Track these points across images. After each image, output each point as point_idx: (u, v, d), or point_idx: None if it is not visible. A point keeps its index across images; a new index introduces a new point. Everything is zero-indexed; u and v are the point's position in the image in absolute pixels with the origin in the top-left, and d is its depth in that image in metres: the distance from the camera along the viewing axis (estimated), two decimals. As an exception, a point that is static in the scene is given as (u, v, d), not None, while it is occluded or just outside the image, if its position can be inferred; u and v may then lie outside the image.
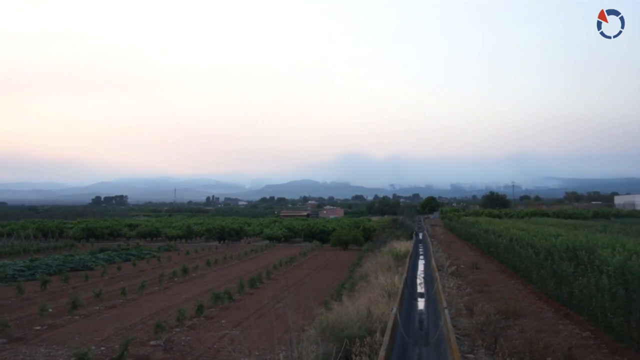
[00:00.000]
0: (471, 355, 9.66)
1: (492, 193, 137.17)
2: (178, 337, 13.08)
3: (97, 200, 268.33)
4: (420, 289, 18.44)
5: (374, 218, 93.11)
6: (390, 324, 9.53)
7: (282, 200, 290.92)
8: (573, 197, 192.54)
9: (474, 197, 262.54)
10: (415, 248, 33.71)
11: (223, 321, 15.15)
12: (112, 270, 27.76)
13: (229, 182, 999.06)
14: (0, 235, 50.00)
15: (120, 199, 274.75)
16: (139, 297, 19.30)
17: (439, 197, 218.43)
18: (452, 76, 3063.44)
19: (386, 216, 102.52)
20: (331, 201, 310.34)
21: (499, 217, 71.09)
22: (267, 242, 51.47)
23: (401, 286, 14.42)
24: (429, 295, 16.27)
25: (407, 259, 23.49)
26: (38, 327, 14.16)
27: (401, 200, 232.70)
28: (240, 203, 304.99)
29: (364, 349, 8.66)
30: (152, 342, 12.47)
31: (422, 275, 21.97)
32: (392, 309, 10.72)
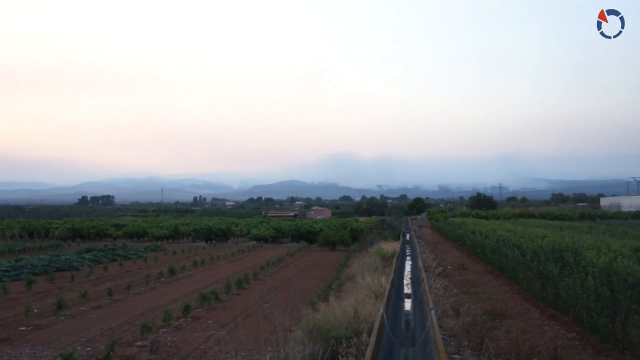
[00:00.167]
0: (457, 356, 9.70)
1: (479, 194, 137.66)
2: (164, 338, 13.03)
3: (83, 200, 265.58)
4: (407, 289, 18.53)
5: (362, 219, 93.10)
6: (377, 325, 9.55)
7: (269, 200, 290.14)
8: (559, 198, 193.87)
9: (461, 198, 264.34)
10: (403, 249, 33.82)
11: (210, 322, 15.12)
12: (98, 270, 27.56)
13: (216, 183, 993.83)
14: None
15: (107, 199, 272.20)
16: (126, 298, 19.20)
17: (427, 198, 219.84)
18: (451, 77, 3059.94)
19: (373, 217, 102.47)
20: (319, 202, 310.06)
21: (486, 218, 71.58)
22: (254, 242, 51.27)
23: (388, 287, 14.46)
24: (416, 296, 16.34)
25: (394, 260, 23.53)
26: (23, 328, 14.05)
27: (389, 201, 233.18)
28: (227, 203, 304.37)
29: (351, 349, 8.69)
30: (139, 343, 12.42)
31: (409, 276, 22.07)
32: (379, 310, 10.74)
